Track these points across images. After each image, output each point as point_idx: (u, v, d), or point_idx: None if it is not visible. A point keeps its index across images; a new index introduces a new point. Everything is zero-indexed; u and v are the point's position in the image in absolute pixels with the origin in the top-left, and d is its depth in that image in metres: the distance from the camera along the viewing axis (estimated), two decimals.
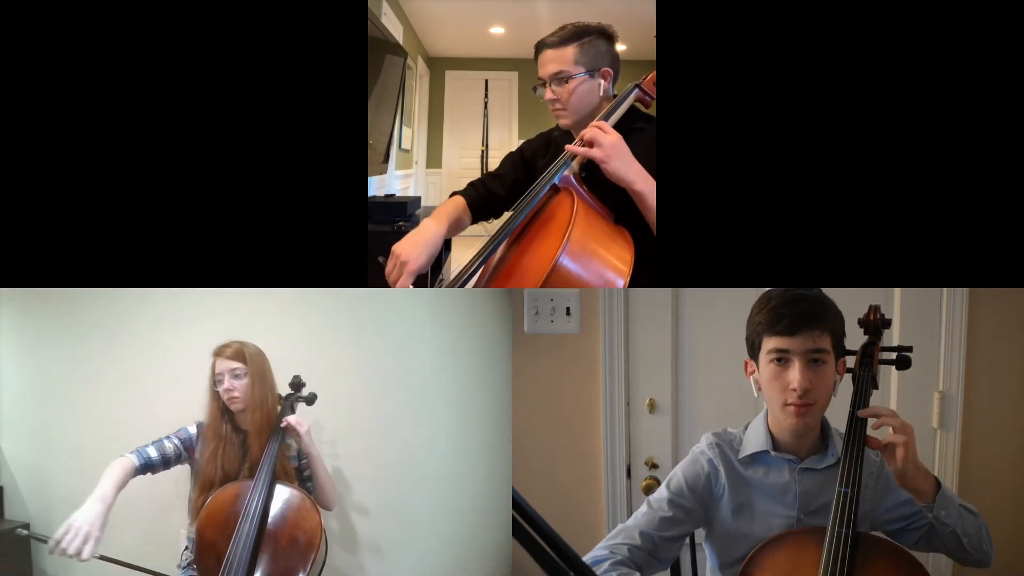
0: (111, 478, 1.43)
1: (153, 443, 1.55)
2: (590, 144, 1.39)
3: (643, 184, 1.37)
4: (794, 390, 1.18)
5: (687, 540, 1.40)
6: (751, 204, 1.39)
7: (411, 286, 1.42)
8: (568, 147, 1.44)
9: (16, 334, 2.00)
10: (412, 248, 1.43)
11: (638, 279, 1.39)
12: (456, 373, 1.97)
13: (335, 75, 1.38)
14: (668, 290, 1.98)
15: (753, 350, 1.25)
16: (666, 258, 1.40)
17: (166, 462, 1.55)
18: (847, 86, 1.37)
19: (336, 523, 1.97)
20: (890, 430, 1.14)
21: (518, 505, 0.78)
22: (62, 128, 1.35)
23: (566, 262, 1.32)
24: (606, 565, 1.24)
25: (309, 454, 1.61)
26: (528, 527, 0.77)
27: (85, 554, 1.27)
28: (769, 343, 1.21)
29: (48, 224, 1.36)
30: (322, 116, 1.38)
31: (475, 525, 1.96)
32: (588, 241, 1.36)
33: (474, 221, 1.66)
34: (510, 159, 1.68)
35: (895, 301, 1.94)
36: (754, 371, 1.26)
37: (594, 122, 1.42)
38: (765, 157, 1.38)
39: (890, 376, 1.96)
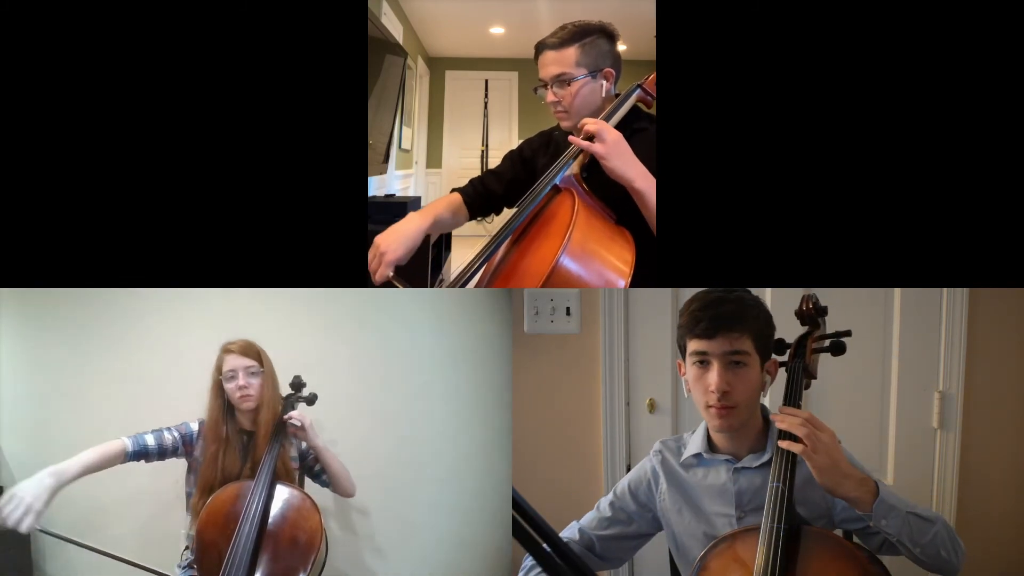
0: (84, 456, 1.40)
1: (152, 432, 1.54)
2: (591, 138, 1.39)
3: (643, 183, 1.37)
4: (713, 392, 1.19)
5: (639, 543, 1.41)
6: (751, 204, 1.39)
7: (391, 276, 1.43)
8: (572, 139, 1.43)
9: (16, 334, 2.00)
10: (392, 240, 1.44)
11: (638, 279, 1.39)
12: (456, 373, 1.97)
13: (335, 75, 1.38)
14: (668, 290, 1.98)
15: (681, 352, 1.27)
16: (666, 258, 1.40)
17: (162, 453, 1.53)
18: (847, 86, 1.37)
19: (336, 523, 1.97)
20: (804, 430, 1.09)
21: (518, 505, 0.78)
22: (62, 128, 1.35)
23: (566, 262, 1.32)
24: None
25: (315, 447, 1.59)
26: (528, 527, 0.77)
27: (24, 527, 1.24)
28: (691, 345, 1.22)
29: (48, 224, 1.36)
30: (322, 116, 1.38)
31: (475, 525, 1.96)
32: (588, 241, 1.36)
33: (471, 217, 1.67)
34: (509, 157, 1.68)
35: (895, 301, 1.94)
36: (685, 372, 1.27)
37: (598, 120, 1.41)
38: (765, 157, 1.38)
39: (891, 376, 1.96)
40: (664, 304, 1.99)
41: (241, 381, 1.54)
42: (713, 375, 1.19)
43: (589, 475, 2.04)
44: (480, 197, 1.65)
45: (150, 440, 1.52)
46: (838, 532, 1.24)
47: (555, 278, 1.32)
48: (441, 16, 5.67)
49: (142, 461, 1.52)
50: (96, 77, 1.35)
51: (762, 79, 1.38)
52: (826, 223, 1.38)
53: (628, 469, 2.03)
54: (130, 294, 1.94)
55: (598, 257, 1.35)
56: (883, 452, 1.96)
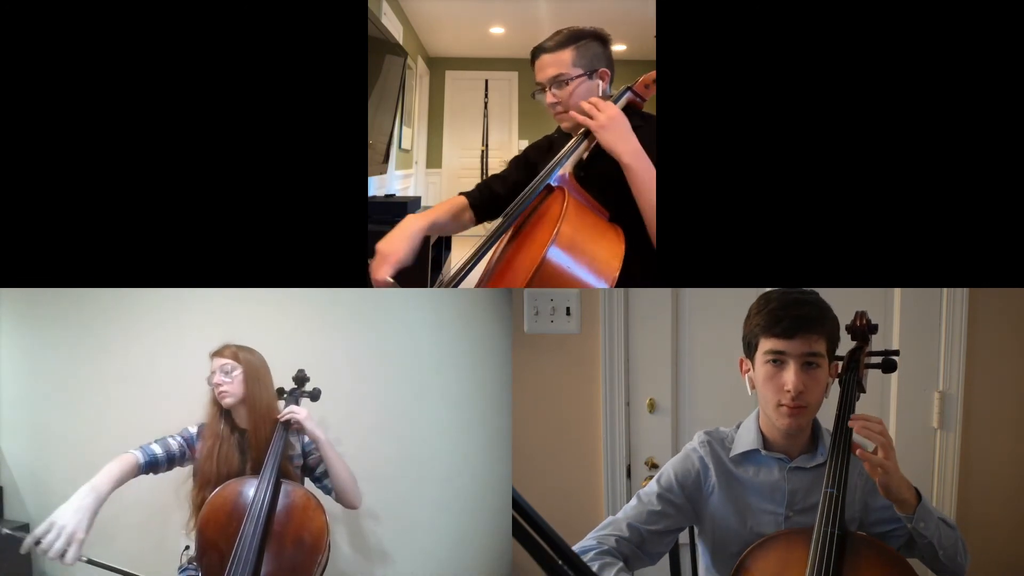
0: (108, 472, 1.35)
1: (157, 441, 1.53)
2: (588, 115, 1.43)
3: (632, 159, 1.39)
4: (788, 391, 1.20)
5: (678, 537, 1.41)
6: (751, 204, 1.39)
7: (390, 277, 1.43)
8: (572, 114, 1.47)
9: (16, 334, 2.00)
10: (391, 242, 1.47)
11: (635, 276, 1.39)
12: (456, 373, 1.97)
13: (335, 75, 1.38)
14: (668, 290, 1.98)
15: (749, 349, 1.27)
16: (666, 258, 1.40)
17: (170, 460, 1.53)
18: (847, 86, 1.37)
19: (336, 522, 1.97)
20: (882, 439, 1.14)
21: (518, 505, 0.78)
22: (62, 128, 1.35)
23: (554, 256, 1.33)
24: (591, 554, 1.28)
25: (317, 439, 1.55)
26: (528, 527, 0.77)
27: (68, 558, 1.12)
28: (766, 344, 1.22)
29: (48, 224, 1.36)
30: (322, 116, 1.38)
31: (475, 525, 1.96)
32: (577, 235, 1.36)
33: (479, 220, 1.69)
34: (515, 161, 1.72)
35: (895, 301, 1.94)
36: (749, 370, 1.28)
37: (595, 98, 1.45)
38: (765, 157, 1.38)
39: (890, 375, 1.96)
40: (664, 304, 1.99)
41: (216, 379, 1.54)
42: (790, 375, 1.20)
43: (589, 475, 2.04)
44: (485, 200, 1.68)
45: (157, 449, 1.50)
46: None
47: (544, 271, 1.32)
48: (441, 16, 5.67)
49: (151, 473, 1.50)
50: (96, 77, 1.35)
51: (762, 79, 1.38)
52: (826, 223, 1.38)
53: (628, 469, 2.04)
54: (130, 294, 1.94)
55: (587, 252, 1.36)
56: None
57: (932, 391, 1.94)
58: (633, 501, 1.35)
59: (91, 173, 1.36)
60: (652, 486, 1.35)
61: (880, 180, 1.37)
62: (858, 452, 1.15)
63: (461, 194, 1.70)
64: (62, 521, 1.15)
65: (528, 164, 1.66)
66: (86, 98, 1.35)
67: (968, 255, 1.37)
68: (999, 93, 1.35)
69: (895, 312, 1.94)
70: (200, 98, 1.36)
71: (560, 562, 0.78)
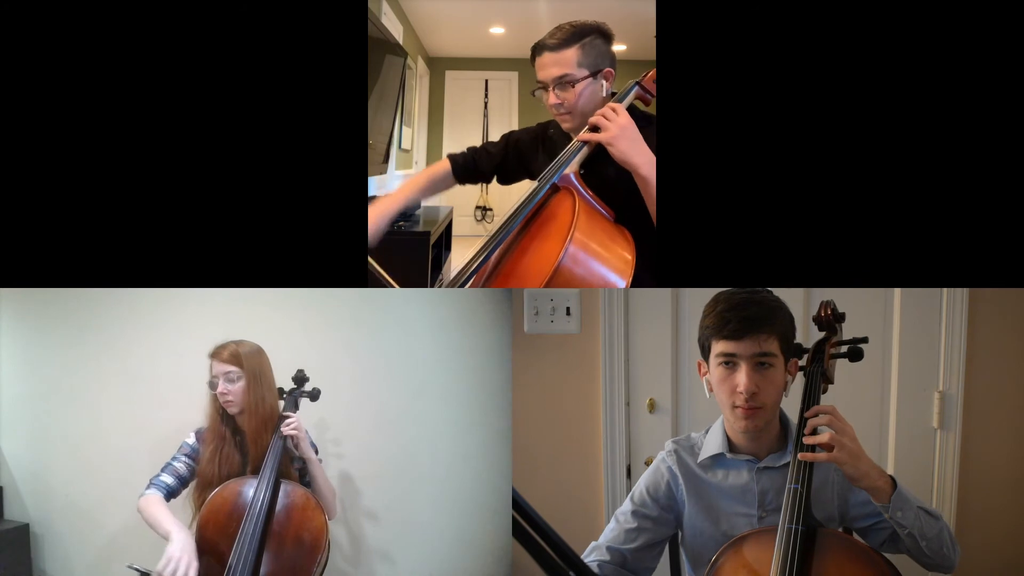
0: (165, 511, 1.45)
1: (164, 470, 1.55)
2: (596, 128, 1.40)
3: (648, 171, 1.38)
4: (741, 393, 1.20)
5: (677, 538, 1.41)
6: (751, 204, 1.39)
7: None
8: (577, 137, 1.45)
9: (16, 334, 2.00)
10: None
11: (639, 279, 1.39)
12: (456, 373, 1.97)
13: (335, 75, 1.38)
14: (668, 290, 1.98)
15: (704, 352, 1.27)
16: (666, 258, 1.40)
17: (183, 483, 1.56)
18: (847, 86, 1.37)
19: (336, 522, 1.97)
20: (827, 433, 1.13)
21: (518, 505, 0.78)
22: (62, 128, 1.35)
23: (569, 263, 1.32)
24: None
25: (307, 459, 1.58)
26: (528, 527, 0.77)
27: None
28: (717, 347, 1.22)
29: (48, 224, 1.36)
30: (322, 116, 1.38)
31: (475, 525, 1.96)
32: (590, 242, 1.36)
33: (460, 183, 1.73)
34: (505, 140, 1.70)
35: (895, 301, 1.94)
36: (706, 372, 1.28)
37: (608, 104, 1.42)
38: (765, 157, 1.38)
39: (891, 376, 1.96)
40: (664, 304, 1.99)
41: (221, 388, 1.55)
42: (741, 376, 1.19)
43: (589, 475, 2.04)
44: (468, 169, 1.70)
45: (168, 479, 1.54)
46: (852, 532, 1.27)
47: (557, 278, 1.32)
48: (441, 16, 5.67)
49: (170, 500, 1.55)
50: (96, 76, 1.35)
51: (762, 79, 1.37)
52: (826, 223, 1.38)
53: (628, 469, 2.04)
54: (130, 294, 1.94)
55: (600, 257, 1.36)
56: (883, 452, 1.96)
57: (932, 391, 1.94)
58: (611, 523, 1.36)
59: (91, 173, 1.36)
60: (626, 504, 1.36)
61: (880, 180, 1.37)
62: (805, 457, 1.14)
63: (448, 156, 1.71)
64: (178, 554, 1.33)
65: (519, 152, 1.66)
66: (86, 98, 1.35)
67: (968, 255, 1.37)
68: (998, 93, 1.35)
69: (895, 312, 1.94)
70: (200, 98, 1.36)
71: (560, 562, 0.78)
